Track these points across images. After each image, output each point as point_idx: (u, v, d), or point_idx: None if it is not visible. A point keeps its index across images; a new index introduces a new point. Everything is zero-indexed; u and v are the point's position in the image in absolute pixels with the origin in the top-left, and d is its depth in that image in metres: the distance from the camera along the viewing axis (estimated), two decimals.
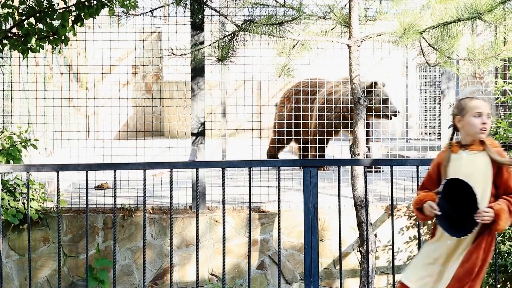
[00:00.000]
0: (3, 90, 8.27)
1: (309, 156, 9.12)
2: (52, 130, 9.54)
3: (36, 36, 5.79)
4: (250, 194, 4.68)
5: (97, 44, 8.07)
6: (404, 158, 8.81)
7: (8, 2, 5.83)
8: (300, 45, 5.77)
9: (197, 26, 6.74)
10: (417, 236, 5.79)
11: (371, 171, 8.79)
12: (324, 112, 8.56)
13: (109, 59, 7.92)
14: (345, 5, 5.91)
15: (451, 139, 3.97)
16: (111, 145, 7.74)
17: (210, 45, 5.73)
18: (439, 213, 3.75)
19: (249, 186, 4.65)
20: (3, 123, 8.11)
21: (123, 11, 6.03)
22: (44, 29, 5.85)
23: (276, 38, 5.43)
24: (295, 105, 8.92)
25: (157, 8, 6.43)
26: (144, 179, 4.58)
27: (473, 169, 3.79)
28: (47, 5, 5.79)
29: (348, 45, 5.34)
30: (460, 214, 3.73)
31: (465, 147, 3.85)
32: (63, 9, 5.79)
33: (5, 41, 5.83)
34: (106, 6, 5.78)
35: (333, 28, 5.99)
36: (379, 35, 5.42)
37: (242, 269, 6.80)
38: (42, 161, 9.21)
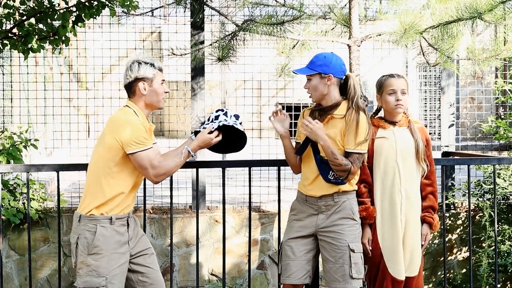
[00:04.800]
0: (3, 90, 8.27)
1: None
2: (52, 130, 9.53)
3: (36, 37, 5.79)
4: (250, 194, 4.68)
5: (97, 44, 8.07)
6: None
7: (9, 3, 5.83)
8: (300, 45, 5.78)
9: (197, 26, 6.74)
10: None
11: None
12: None
13: (109, 59, 7.92)
14: (345, 5, 5.92)
15: (373, 116, 4.11)
16: None
17: (211, 45, 5.74)
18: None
19: (249, 186, 4.65)
20: (3, 123, 8.12)
21: (123, 11, 6.03)
22: (45, 29, 5.85)
23: (276, 38, 5.43)
24: None
25: (157, 8, 6.44)
26: (144, 179, 4.58)
27: (406, 144, 3.94)
28: (48, 6, 5.79)
29: (348, 45, 5.34)
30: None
31: (394, 124, 3.98)
32: (64, 10, 5.79)
33: (5, 41, 5.84)
34: (106, 6, 5.78)
35: (333, 28, 6.00)
36: (379, 35, 5.42)
37: (242, 269, 6.80)
38: (42, 161, 9.21)
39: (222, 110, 3.80)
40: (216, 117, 3.79)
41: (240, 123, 3.82)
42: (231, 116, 3.77)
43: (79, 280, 3.63)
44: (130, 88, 3.74)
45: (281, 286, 3.99)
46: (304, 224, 3.92)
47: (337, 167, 3.72)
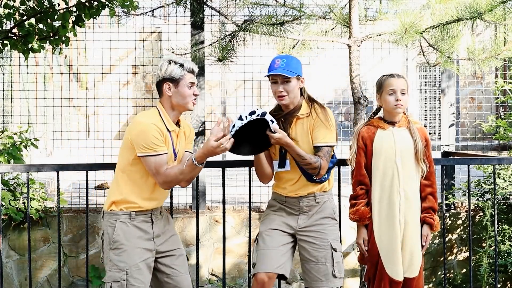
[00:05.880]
0: (3, 90, 8.27)
1: None
2: (52, 130, 9.53)
3: (36, 37, 5.79)
4: (250, 194, 4.68)
5: (97, 44, 8.08)
6: None
7: (9, 3, 5.83)
8: (300, 44, 5.77)
9: (197, 26, 6.74)
10: None
11: None
12: None
13: (109, 59, 7.92)
14: (345, 5, 5.91)
15: (373, 116, 4.11)
16: (111, 145, 7.75)
17: (211, 45, 5.73)
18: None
19: (249, 186, 4.66)
20: (3, 123, 8.12)
21: (123, 11, 6.03)
22: (45, 29, 5.85)
23: (276, 38, 5.43)
24: None
25: (157, 8, 6.43)
26: None
27: (406, 145, 3.93)
28: (48, 6, 5.79)
29: (348, 45, 5.34)
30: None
31: (393, 124, 3.98)
32: (64, 10, 5.79)
33: (5, 41, 5.84)
34: (106, 6, 5.78)
35: (333, 28, 5.99)
36: (379, 35, 5.42)
37: (242, 269, 6.80)
38: (42, 161, 9.21)
39: (240, 118, 3.61)
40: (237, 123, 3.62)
41: (259, 114, 3.62)
42: (246, 116, 3.58)
43: (106, 275, 3.65)
44: (158, 87, 3.66)
45: (252, 277, 3.92)
46: (285, 221, 3.92)
47: (307, 166, 3.75)
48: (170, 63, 3.61)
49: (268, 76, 3.94)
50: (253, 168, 4.02)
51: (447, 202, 6.93)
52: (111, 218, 3.62)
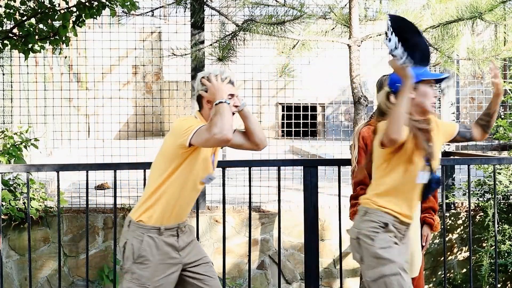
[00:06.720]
0: (3, 90, 8.27)
1: None
2: (52, 130, 9.54)
3: (37, 37, 5.79)
4: (250, 194, 4.68)
5: (97, 44, 8.07)
6: None
7: (10, 3, 5.83)
8: (300, 44, 5.78)
9: (198, 26, 6.74)
10: None
11: None
12: None
13: (109, 59, 7.92)
14: (345, 5, 5.92)
15: (373, 116, 4.07)
16: (111, 145, 7.74)
17: (211, 45, 5.74)
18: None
19: (249, 186, 4.65)
20: (3, 123, 8.12)
21: (123, 11, 6.03)
22: (45, 29, 5.85)
23: (276, 38, 5.43)
24: None
25: (157, 8, 6.44)
26: (144, 179, 4.58)
27: None
28: (48, 6, 5.79)
29: (348, 45, 5.34)
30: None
31: None
32: (64, 10, 5.79)
33: (6, 42, 5.84)
34: (107, 6, 5.78)
35: (333, 28, 5.99)
36: (379, 35, 5.42)
37: (242, 269, 6.80)
38: (42, 161, 9.21)
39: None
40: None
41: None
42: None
43: (123, 283, 3.55)
44: (198, 101, 3.57)
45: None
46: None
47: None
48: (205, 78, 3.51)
49: (430, 80, 3.57)
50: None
51: (447, 201, 6.93)
52: (138, 230, 3.50)
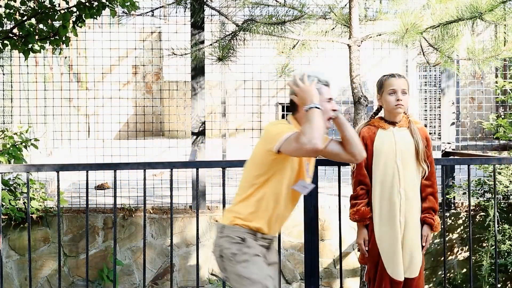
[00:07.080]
0: (3, 90, 8.27)
1: None
2: (52, 130, 9.54)
3: (37, 37, 5.79)
4: None
5: (97, 44, 8.08)
6: None
7: (10, 3, 5.83)
8: (300, 44, 5.77)
9: (198, 26, 6.74)
10: None
11: None
12: None
13: (109, 59, 7.92)
14: (345, 5, 5.91)
15: (373, 116, 4.06)
16: (111, 145, 7.75)
17: (211, 44, 5.73)
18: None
19: None
20: (3, 123, 8.12)
21: (123, 11, 6.03)
22: (45, 29, 5.85)
23: (276, 38, 5.43)
24: None
25: (157, 8, 6.43)
26: (144, 179, 4.58)
27: (406, 145, 3.91)
28: (48, 6, 5.79)
29: (348, 45, 5.34)
30: None
31: (394, 124, 3.96)
32: (64, 10, 5.79)
33: (6, 42, 5.84)
34: (107, 7, 5.78)
35: (333, 28, 5.99)
36: (379, 35, 5.42)
37: None
38: (42, 161, 9.21)
39: None
40: None
41: None
42: None
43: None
44: (293, 104, 3.43)
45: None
46: None
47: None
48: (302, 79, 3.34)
49: None
50: None
51: (447, 197, 6.92)
52: (233, 234, 3.35)
